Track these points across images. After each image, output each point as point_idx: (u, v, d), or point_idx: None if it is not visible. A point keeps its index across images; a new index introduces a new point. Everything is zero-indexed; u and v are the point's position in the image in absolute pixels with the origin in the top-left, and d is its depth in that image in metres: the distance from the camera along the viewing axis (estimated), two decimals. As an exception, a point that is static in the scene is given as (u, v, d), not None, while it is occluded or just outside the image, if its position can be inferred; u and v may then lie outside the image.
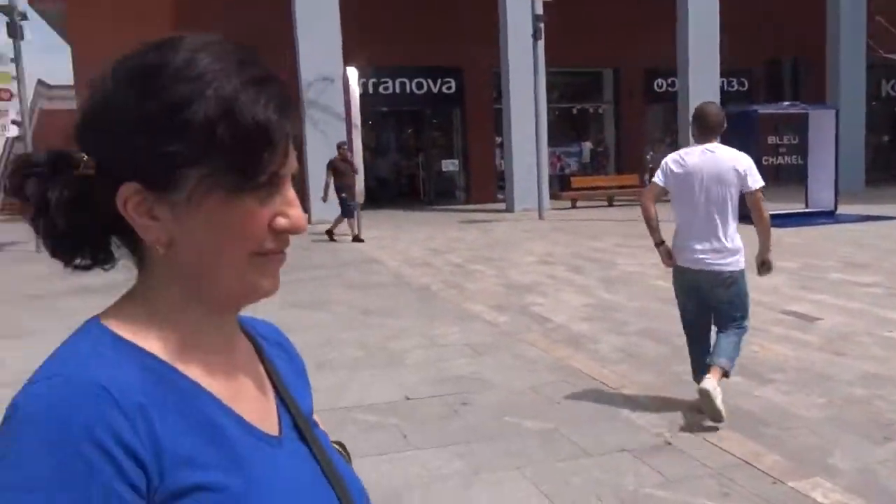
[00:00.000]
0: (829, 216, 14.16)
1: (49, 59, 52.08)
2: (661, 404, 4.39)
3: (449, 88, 21.55)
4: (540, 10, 16.27)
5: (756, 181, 4.09)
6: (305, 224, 0.74)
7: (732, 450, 3.70)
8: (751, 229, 4.18)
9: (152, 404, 0.64)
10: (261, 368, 0.82)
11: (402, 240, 13.29)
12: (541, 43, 16.60)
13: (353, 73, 13.84)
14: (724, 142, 4.26)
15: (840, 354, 5.30)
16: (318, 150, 14.69)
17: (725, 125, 4.25)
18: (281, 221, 0.71)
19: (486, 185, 21.50)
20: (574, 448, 3.79)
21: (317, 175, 14.14)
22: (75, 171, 0.68)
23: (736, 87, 23.60)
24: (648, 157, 21.70)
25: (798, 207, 14.50)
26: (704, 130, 4.20)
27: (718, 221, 4.10)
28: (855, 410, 4.21)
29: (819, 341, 5.66)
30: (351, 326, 6.63)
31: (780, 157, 15.64)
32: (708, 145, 4.16)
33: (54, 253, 0.72)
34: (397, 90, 21.11)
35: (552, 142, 19.50)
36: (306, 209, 14.67)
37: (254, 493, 0.67)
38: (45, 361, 0.67)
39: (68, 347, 0.68)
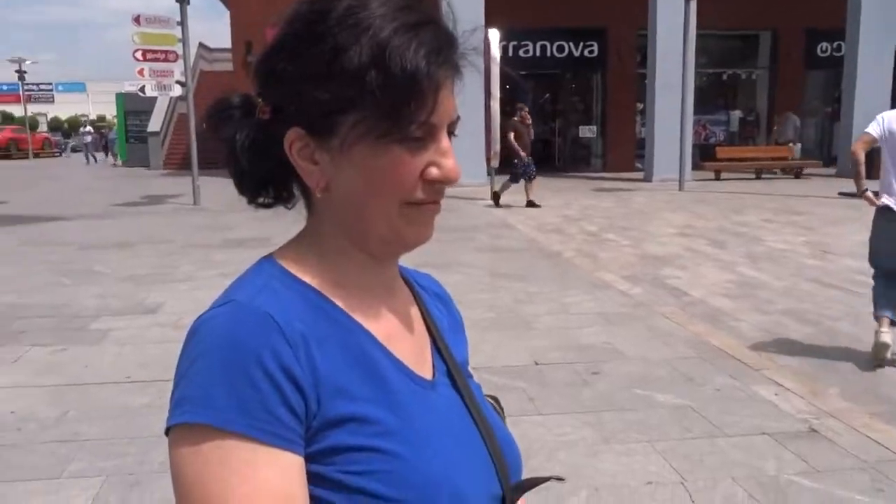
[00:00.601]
0: None
1: (210, 24, 55.54)
2: (805, 389, 4.12)
3: (591, 52, 20.97)
4: (694, -32, 15.41)
5: None
6: (458, 175, 0.72)
7: (887, 443, 3.42)
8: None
9: (314, 336, 0.67)
10: (419, 315, 0.83)
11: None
12: (693, 2, 15.73)
13: (494, 34, 13.26)
14: None
15: None
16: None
17: None
18: (433, 171, 0.71)
19: (623, 153, 20.84)
20: (709, 426, 3.64)
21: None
22: (256, 116, 0.72)
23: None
24: (775, 128, 20.17)
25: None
26: None
27: None
28: None
29: None
30: (482, 289, 6.68)
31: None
32: None
33: (241, 189, 0.76)
34: (537, 53, 20.76)
35: (698, 109, 18.49)
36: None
37: (405, 430, 0.68)
38: (225, 291, 0.71)
39: (245, 279, 0.72)
